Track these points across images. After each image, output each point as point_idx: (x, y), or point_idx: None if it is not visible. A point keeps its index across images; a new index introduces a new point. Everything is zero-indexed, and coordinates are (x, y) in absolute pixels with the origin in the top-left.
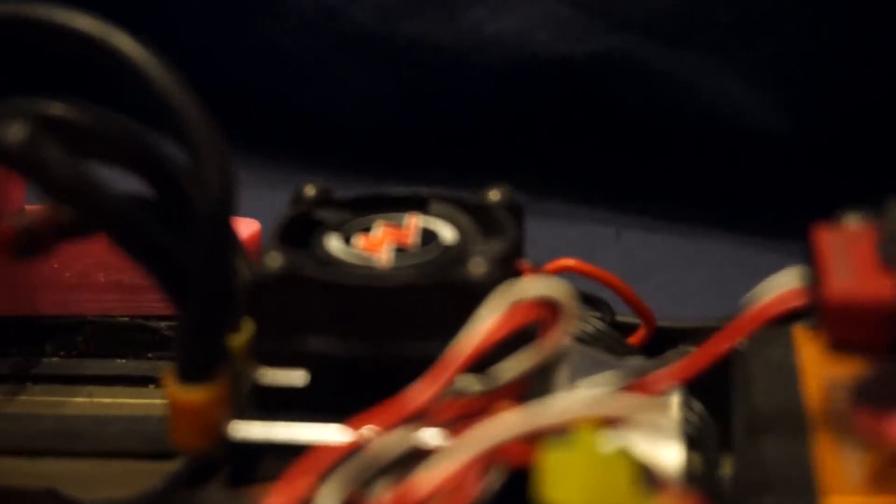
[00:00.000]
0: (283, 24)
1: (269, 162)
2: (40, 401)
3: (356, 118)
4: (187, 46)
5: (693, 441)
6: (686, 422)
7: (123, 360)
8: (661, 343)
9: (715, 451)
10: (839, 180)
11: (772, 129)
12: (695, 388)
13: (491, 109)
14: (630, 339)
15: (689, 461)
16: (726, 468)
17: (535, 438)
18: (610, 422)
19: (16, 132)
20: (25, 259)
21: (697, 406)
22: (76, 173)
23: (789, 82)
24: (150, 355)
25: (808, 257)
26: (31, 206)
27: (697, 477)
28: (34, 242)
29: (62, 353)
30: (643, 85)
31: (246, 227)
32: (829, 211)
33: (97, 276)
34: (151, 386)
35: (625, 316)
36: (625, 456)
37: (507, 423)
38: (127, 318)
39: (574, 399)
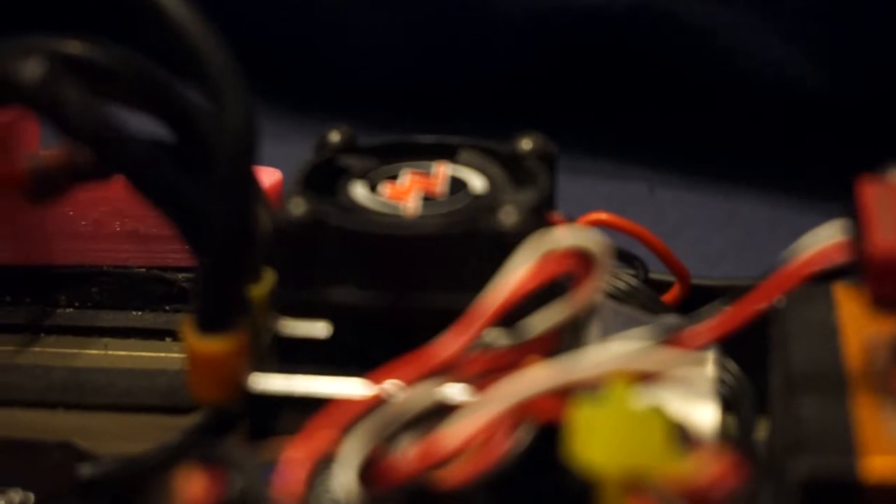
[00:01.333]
0: None
1: (292, 111)
2: (54, 352)
3: (382, 67)
4: None
5: (727, 402)
6: (721, 382)
7: (139, 312)
8: (695, 301)
9: (750, 413)
10: (879, 139)
11: (810, 85)
12: (730, 347)
13: (521, 61)
14: (664, 296)
15: (724, 422)
16: (761, 431)
17: (566, 394)
18: (643, 378)
19: (32, 69)
20: (40, 203)
21: (732, 366)
22: (94, 113)
23: (829, 38)
24: (167, 307)
25: (852, 211)
26: (47, 149)
27: (732, 438)
28: (49, 185)
29: (77, 304)
30: (679, 38)
31: (268, 177)
32: (867, 170)
33: (113, 225)
34: (168, 339)
35: (658, 273)
36: (658, 413)
37: (536, 378)
38: (143, 269)
39: (606, 353)
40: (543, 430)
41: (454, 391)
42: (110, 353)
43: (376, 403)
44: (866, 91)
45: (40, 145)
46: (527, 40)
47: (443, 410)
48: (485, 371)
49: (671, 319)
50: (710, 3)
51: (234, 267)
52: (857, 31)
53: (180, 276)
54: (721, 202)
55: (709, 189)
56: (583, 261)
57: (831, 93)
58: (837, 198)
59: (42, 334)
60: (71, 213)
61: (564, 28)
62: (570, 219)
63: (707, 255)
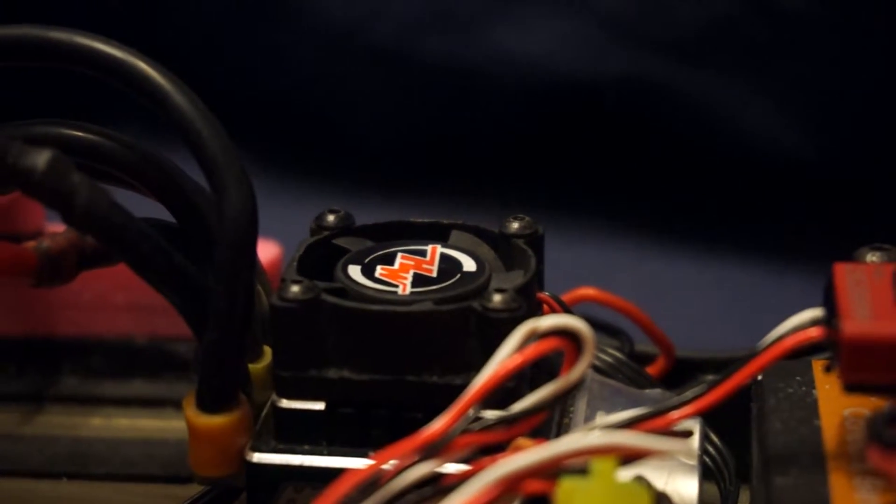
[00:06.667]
0: (304, 42)
1: (290, 179)
2: (57, 422)
3: (377, 137)
4: (208, 63)
5: (710, 472)
6: (703, 452)
7: (141, 382)
8: (680, 373)
9: (732, 483)
10: (863, 207)
11: (797, 154)
12: (713, 417)
13: (513, 131)
14: (649, 368)
15: (705, 492)
16: (744, 500)
17: (553, 472)
18: (628, 455)
19: (39, 158)
20: (47, 287)
21: (715, 438)
22: (99, 203)
23: (816, 107)
24: (168, 377)
25: (826, 294)
26: (53, 230)
27: None
28: (56, 271)
29: (79, 374)
30: (668, 107)
31: (266, 250)
32: (856, 239)
33: (115, 297)
34: (169, 408)
35: (644, 345)
36: (642, 488)
37: (524, 456)
38: (145, 340)
39: (591, 433)
40: None
41: (447, 469)
42: (113, 422)
43: (373, 482)
44: (853, 161)
45: (45, 218)
46: (518, 110)
47: (437, 488)
48: (477, 449)
49: (656, 394)
50: (699, 72)
51: (234, 348)
52: (846, 101)
53: (181, 346)
54: (708, 269)
55: (696, 256)
56: (568, 341)
57: (819, 162)
58: (823, 266)
59: (46, 404)
60: (74, 285)
61: (554, 98)
62: (557, 297)
63: (693, 323)
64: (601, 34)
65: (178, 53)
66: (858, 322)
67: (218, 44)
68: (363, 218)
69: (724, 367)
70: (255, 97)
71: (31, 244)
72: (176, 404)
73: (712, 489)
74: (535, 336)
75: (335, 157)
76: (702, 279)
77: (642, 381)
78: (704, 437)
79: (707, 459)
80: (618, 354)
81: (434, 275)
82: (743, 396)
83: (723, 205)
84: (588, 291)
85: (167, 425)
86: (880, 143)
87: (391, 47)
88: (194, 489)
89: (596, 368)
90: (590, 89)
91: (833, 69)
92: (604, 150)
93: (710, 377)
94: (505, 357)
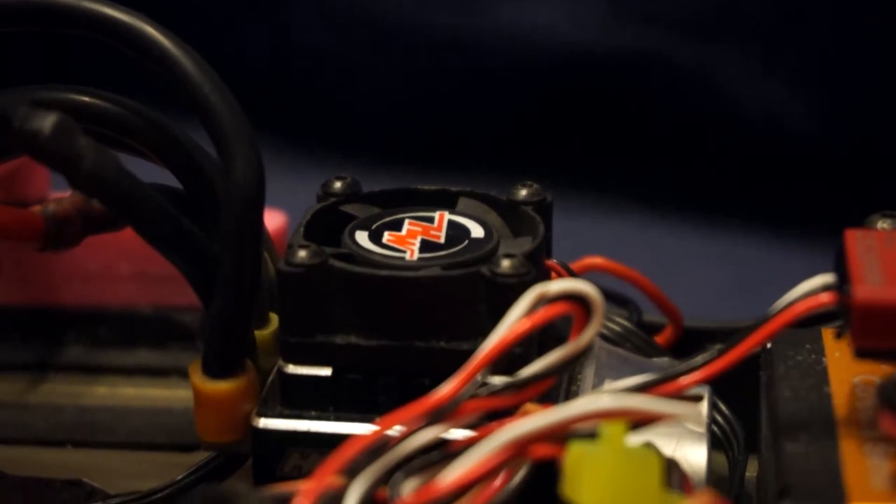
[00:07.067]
0: (311, 15)
1: (297, 151)
2: (62, 391)
3: (383, 111)
4: (216, 36)
5: (719, 441)
6: (712, 422)
7: (146, 351)
8: (688, 342)
9: (741, 452)
10: (872, 183)
11: (803, 127)
12: (723, 388)
13: (519, 104)
14: (657, 338)
15: (714, 461)
16: (752, 469)
17: (561, 436)
18: (637, 421)
19: (45, 122)
20: (52, 251)
21: (723, 406)
22: (106, 167)
23: (824, 83)
24: (173, 346)
25: (837, 260)
26: (58, 196)
27: (721, 477)
28: (62, 235)
29: (84, 343)
30: (675, 82)
31: (272, 219)
32: (861, 213)
33: (120, 266)
34: (174, 377)
35: (652, 315)
36: (651, 453)
37: (532, 420)
38: (150, 309)
39: (600, 397)
40: (540, 471)
41: (454, 434)
42: (118, 391)
43: (380, 446)
44: (859, 135)
45: (51, 185)
46: (524, 84)
47: (444, 453)
48: (484, 414)
49: (664, 362)
50: (706, 47)
51: (241, 314)
52: (855, 77)
53: (187, 315)
54: (716, 242)
55: (703, 229)
56: (577, 306)
57: (827, 136)
58: (832, 238)
59: (51, 373)
60: (79, 254)
61: (561, 72)
62: (565, 264)
63: (700, 295)
64: (608, 9)
65: (184, 25)
66: (870, 287)
67: (224, 16)
68: (368, 189)
69: (732, 335)
70: (262, 69)
71: (36, 208)
72: (181, 373)
73: (721, 459)
74: (543, 301)
75: (341, 130)
76: (708, 250)
77: (650, 350)
78: (713, 406)
79: (715, 428)
80: (626, 323)
81: (442, 241)
82: (751, 365)
83: (729, 176)
84: (596, 260)
85: (172, 394)
86: (886, 117)
87: (395, 22)
88: (200, 457)
89: (604, 337)
90: (597, 63)
91: (839, 45)
92: (611, 124)
93: (719, 345)
94: (513, 322)
